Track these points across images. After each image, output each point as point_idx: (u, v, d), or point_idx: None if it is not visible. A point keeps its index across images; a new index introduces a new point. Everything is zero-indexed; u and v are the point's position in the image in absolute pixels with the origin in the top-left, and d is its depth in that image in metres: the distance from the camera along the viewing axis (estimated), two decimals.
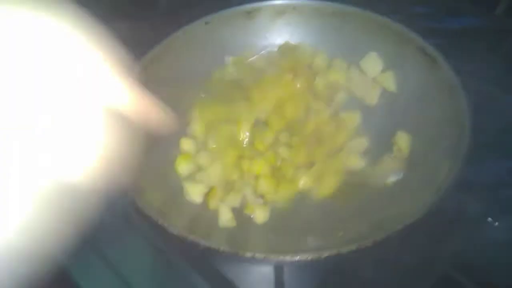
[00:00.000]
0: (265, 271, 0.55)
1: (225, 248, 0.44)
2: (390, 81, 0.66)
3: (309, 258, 0.44)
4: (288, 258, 0.44)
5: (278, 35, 0.74)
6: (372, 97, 0.67)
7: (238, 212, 0.58)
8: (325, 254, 0.44)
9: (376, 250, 0.43)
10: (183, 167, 0.63)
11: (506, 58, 0.75)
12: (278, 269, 0.54)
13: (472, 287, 0.50)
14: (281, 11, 0.71)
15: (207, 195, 0.60)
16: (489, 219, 0.55)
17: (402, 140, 0.62)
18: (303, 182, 0.60)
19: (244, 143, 0.64)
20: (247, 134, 0.64)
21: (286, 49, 0.72)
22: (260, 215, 0.57)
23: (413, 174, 0.57)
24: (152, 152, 0.60)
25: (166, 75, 0.66)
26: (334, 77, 0.69)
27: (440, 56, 0.60)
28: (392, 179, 0.59)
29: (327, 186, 0.60)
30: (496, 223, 0.55)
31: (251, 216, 0.58)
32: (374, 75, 0.68)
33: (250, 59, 0.73)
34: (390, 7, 0.83)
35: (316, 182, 0.60)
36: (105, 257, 0.58)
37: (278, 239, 0.53)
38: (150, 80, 0.63)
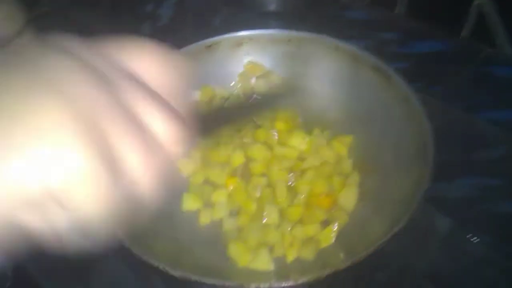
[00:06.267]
0: None
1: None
2: None
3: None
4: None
5: (238, 63, 0.76)
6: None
7: None
8: (310, 277, 0.47)
9: (352, 270, 0.47)
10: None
11: (470, 80, 0.79)
12: None
13: None
14: (239, 42, 0.74)
15: None
16: (469, 235, 0.58)
17: None
18: None
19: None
20: None
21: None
22: None
23: (382, 190, 0.60)
24: None
25: None
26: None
27: (393, 72, 0.64)
28: None
29: None
30: (475, 239, 0.58)
31: None
32: None
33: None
34: (360, 34, 0.87)
35: None
36: None
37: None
38: None
